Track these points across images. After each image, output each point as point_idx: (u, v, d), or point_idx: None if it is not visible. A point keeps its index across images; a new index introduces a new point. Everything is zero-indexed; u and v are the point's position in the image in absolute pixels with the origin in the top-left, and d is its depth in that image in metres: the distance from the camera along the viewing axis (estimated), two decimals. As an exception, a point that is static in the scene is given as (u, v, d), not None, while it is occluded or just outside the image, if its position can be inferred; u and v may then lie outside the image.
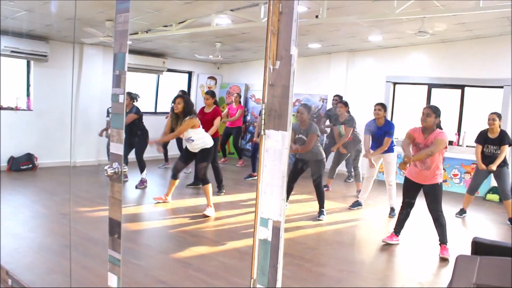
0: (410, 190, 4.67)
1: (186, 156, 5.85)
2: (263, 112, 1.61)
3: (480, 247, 1.82)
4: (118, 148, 2.22)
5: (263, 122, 1.61)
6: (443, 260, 4.36)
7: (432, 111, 4.39)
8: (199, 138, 5.59)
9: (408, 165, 4.42)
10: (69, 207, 5.40)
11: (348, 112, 6.95)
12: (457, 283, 1.44)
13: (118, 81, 2.20)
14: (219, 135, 6.87)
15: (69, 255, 3.86)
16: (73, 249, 4.05)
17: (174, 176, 5.90)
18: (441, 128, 4.53)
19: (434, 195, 4.47)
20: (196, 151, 5.65)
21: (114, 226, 2.25)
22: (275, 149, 1.58)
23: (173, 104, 5.54)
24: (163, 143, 7.34)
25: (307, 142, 5.53)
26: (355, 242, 5.12)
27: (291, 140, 5.94)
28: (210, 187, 5.59)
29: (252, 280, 1.66)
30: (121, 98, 2.20)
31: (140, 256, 4.10)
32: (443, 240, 4.45)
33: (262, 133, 1.61)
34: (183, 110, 5.47)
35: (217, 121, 6.62)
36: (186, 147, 5.80)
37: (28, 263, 3.75)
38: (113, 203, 2.25)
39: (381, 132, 5.93)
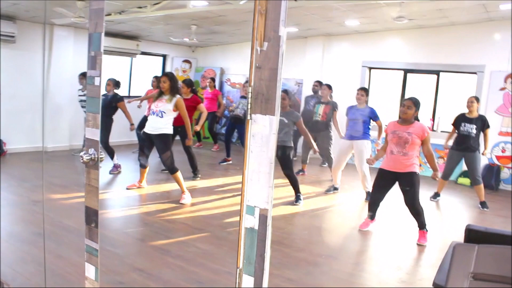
0: (383, 180, 4.57)
1: (146, 143, 5.60)
2: (249, 95, 1.54)
3: (473, 235, 1.82)
4: (94, 134, 2.12)
5: (249, 106, 1.54)
6: (420, 245, 4.41)
7: (413, 104, 4.40)
8: (166, 121, 5.35)
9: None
10: (42, 194, 5.23)
11: (331, 96, 6.92)
12: (455, 271, 1.42)
13: (93, 62, 2.09)
14: (193, 120, 6.75)
15: (41, 244, 3.73)
16: (46, 237, 3.92)
17: (142, 166, 5.78)
18: (418, 120, 4.54)
19: (410, 184, 4.37)
20: (153, 132, 5.37)
21: (91, 215, 2.15)
22: (262, 134, 1.52)
23: (155, 82, 5.38)
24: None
25: (303, 132, 5.66)
26: (333, 226, 5.14)
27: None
28: (179, 174, 5.42)
29: (238, 269, 1.61)
30: (97, 81, 2.10)
31: (116, 244, 4.00)
32: (421, 226, 4.47)
33: (249, 117, 1.54)
34: (169, 87, 5.33)
35: (201, 107, 6.54)
36: (144, 132, 5.54)
37: (-2, 252, 3.62)
38: (89, 191, 2.15)
39: (362, 117, 5.89)
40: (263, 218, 1.54)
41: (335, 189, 6.32)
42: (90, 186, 2.16)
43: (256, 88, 1.52)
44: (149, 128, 5.44)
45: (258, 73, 1.51)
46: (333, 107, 6.84)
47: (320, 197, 6.11)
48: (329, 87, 6.94)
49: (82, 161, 2.09)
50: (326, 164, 8.00)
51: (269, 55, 1.49)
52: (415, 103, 4.42)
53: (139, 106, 8.00)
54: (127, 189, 5.84)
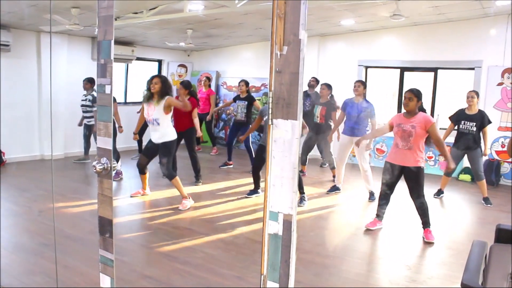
0: (390, 173, 4.59)
1: (151, 149, 5.45)
2: (270, 100, 1.53)
3: (503, 234, 1.81)
4: (106, 143, 2.10)
5: (270, 111, 1.53)
6: (428, 243, 4.40)
7: (414, 95, 4.39)
8: (165, 127, 5.28)
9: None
10: (53, 204, 5.18)
11: (331, 96, 6.86)
12: (493, 272, 1.41)
13: (103, 70, 2.07)
14: (194, 124, 6.61)
15: (48, 254, 3.70)
16: (52, 247, 3.88)
17: (142, 172, 5.67)
18: (424, 111, 4.52)
19: (415, 178, 4.42)
20: (158, 141, 5.31)
21: (105, 225, 2.13)
22: (284, 139, 1.50)
23: (148, 84, 5.28)
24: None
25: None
26: (338, 227, 5.13)
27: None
28: (178, 180, 5.35)
29: (262, 276, 1.59)
30: (108, 89, 2.07)
31: (123, 251, 3.95)
32: (426, 225, 4.48)
33: (270, 122, 1.53)
34: (160, 90, 5.17)
35: (194, 113, 6.37)
36: (150, 139, 5.45)
37: (4, 264, 3.56)
38: (102, 201, 2.13)
39: (359, 111, 5.87)
40: (287, 224, 1.52)
41: (337, 189, 6.30)
42: (103, 196, 2.13)
43: (277, 93, 1.50)
44: (153, 138, 5.39)
45: (279, 78, 1.50)
46: (331, 108, 6.77)
47: (323, 198, 6.10)
48: (329, 86, 6.81)
49: (94, 171, 2.06)
50: (327, 164, 7.98)
51: (290, 59, 1.47)
52: (416, 94, 4.42)
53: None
54: (131, 196, 5.78)
